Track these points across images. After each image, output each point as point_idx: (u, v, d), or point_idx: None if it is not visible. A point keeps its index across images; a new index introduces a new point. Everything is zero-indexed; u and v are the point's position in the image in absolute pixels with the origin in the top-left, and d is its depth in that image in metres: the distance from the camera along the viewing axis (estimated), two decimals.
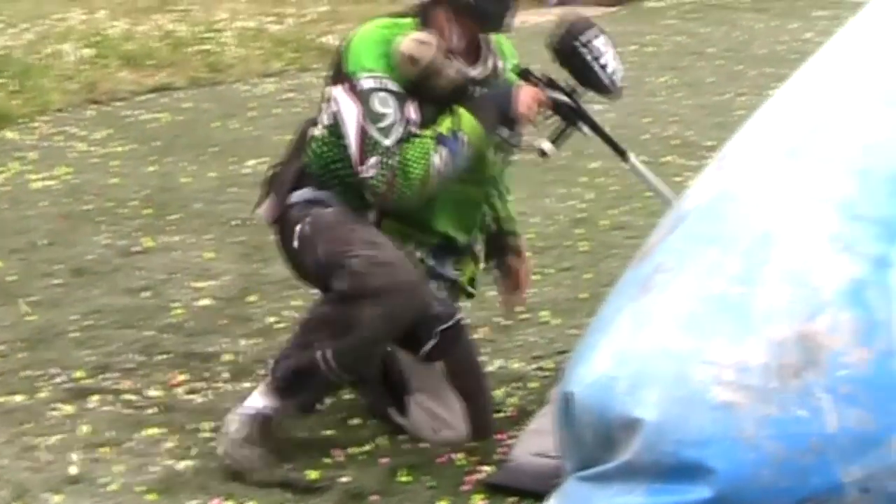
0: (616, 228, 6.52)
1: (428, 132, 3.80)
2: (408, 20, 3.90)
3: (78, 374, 4.70)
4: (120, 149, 8.29)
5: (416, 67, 3.78)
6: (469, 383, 4.08)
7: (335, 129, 3.92)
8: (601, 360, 3.32)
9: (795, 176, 3.28)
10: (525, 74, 3.98)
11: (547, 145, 4.02)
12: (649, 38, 13.79)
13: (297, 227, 3.93)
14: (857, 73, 3.43)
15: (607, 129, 4.25)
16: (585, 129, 4.05)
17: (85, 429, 4.28)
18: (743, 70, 11.91)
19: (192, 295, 5.57)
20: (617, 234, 6.42)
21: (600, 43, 3.92)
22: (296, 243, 3.94)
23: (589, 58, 3.90)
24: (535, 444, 3.94)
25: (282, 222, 4.02)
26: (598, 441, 3.22)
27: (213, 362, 4.82)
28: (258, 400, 3.93)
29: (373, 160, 3.76)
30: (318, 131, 4.00)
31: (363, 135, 3.76)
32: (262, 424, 3.88)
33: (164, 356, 4.88)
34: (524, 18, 15.48)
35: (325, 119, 3.98)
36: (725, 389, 3.09)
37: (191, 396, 4.53)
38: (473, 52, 3.95)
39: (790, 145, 3.36)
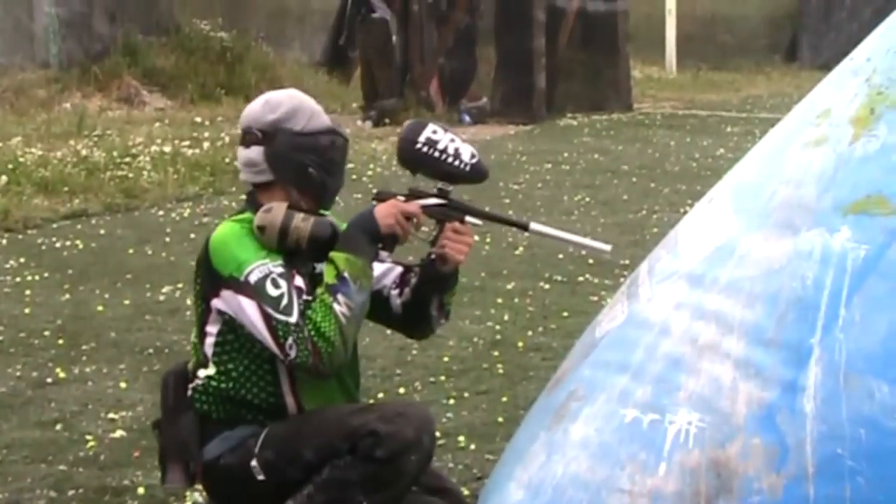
0: (532, 350, 6.53)
1: (319, 290, 3.83)
2: (246, 214, 3.94)
3: None
4: (33, 277, 8.22)
5: (272, 234, 3.82)
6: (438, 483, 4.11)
7: (227, 343, 3.92)
8: (515, 490, 3.32)
9: (702, 301, 3.31)
10: (379, 196, 4.00)
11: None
12: (564, 157, 13.97)
13: (253, 464, 3.91)
14: (756, 194, 3.46)
15: (496, 211, 4.22)
16: (474, 219, 4.03)
17: None
18: (657, 187, 12.08)
19: (106, 426, 5.50)
20: (534, 356, 6.43)
21: (440, 137, 3.94)
22: (261, 477, 3.91)
23: (437, 154, 3.91)
24: None
25: (214, 475, 3.98)
26: None
27: (127, 496, 4.75)
28: None
29: (290, 341, 3.77)
30: (209, 370, 3.97)
31: (270, 323, 3.78)
32: None
33: (77, 491, 4.79)
34: None
35: (209, 332, 3.94)
36: None
37: None
38: None
39: (696, 270, 3.39)
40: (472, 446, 5.19)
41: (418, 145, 3.91)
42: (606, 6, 19.49)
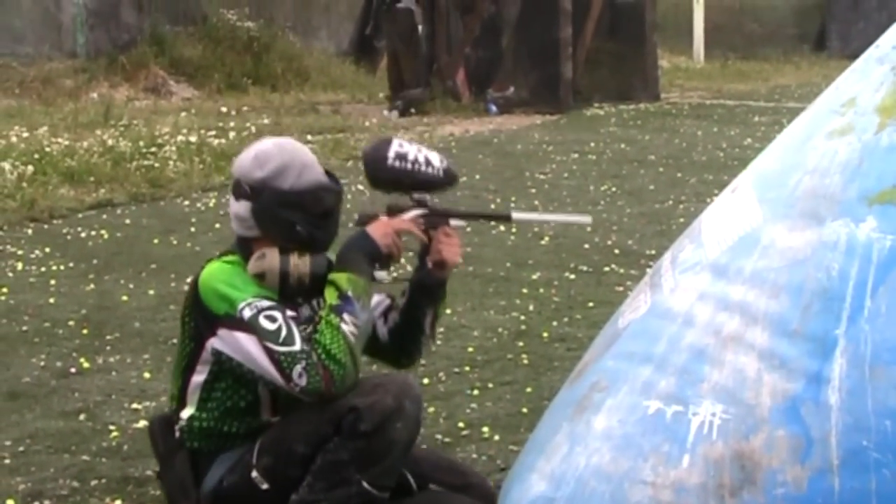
0: (557, 340, 6.50)
1: (323, 313, 3.82)
2: (234, 256, 3.92)
3: (10, 502, 4.60)
4: (58, 267, 8.23)
5: (273, 279, 3.82)
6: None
7: (216, 382, 3.93)
8: (537, 482, 3.29)
9: (727, 292, 3.28)
10: (363, 220, 3.98)
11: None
12: (591, 147, 13.92)
13: (254, 475, 3.92)
14: (781, 184, 3.43)
15: (476, 209, 4.23)
16: (459, 221, 4.03)
17: None
18: (683, 177, 12.02)
19: (129, 417, 5.49)
20: (558, 347, 6.40)
21: (407, 149, 3.94)
22: (265, 486, 3.91)
23: (409, 167, 3.91)
24: None
25: (220, 500, 3.98)
26: None
27: (150, 486, 4.73)
28: None
29: (297, 369, 3.75)
30: (191, 410, 3.98)
31: (272, 356, 3.76)
32: None
33: (100, 481, 4.79)
34: (467, 128, 15.65)
35: (196, 382, 3.95)
36: None
37: None
38: None
39: (720, 260, 3.36)
40: (497, 437, 5.17)
41: (389, 161, 3.90)
42: None
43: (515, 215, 4.15)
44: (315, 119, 15.87)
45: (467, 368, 6.07)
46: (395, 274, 4.02)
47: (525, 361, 6.21)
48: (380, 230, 3.92)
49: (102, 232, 9.33)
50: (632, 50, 19.23)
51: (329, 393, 3.76)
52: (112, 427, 5.35)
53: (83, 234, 9.28)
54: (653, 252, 8.56)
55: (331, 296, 3.81)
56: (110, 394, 5.79)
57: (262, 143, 4.00)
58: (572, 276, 7.94)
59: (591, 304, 7.19)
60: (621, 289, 7.59)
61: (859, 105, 3.46)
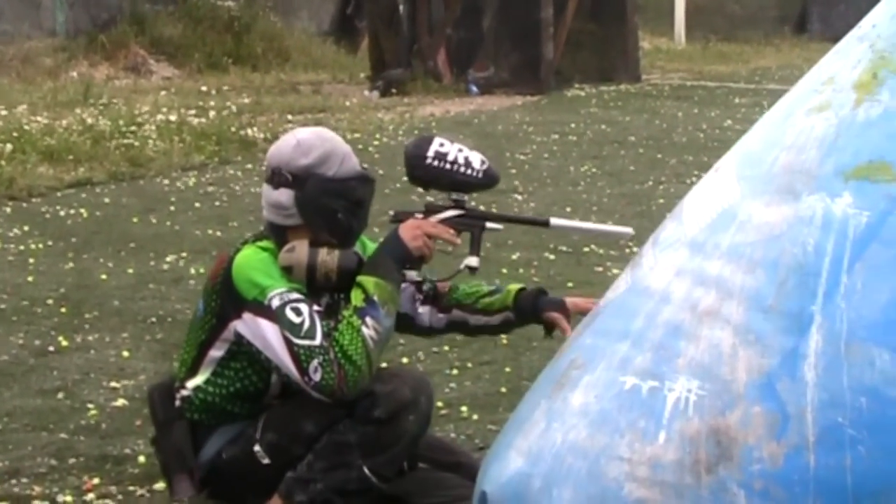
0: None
1: (346, 313, 3.81)
2: (267, 242, 3.93)
3: None
4: (36, 246, 8.20)
5: (301, 273, 3.84)
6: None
7: (230, 363, 3.94)
8: (515, 458, 3.29)
9: (703, 267, 3.28)
10: (398, 217, 3.99)
11: (472, 260, 4.01)
12: (571, 127, 13.92)
13: (256, 449, 3.93)
14: (759, 161, 3.43)
15: (515, 212, 4.24)
16: (495, 224, 4.03)
17: None
18: (663, 158, 12.03)
19: (108, 395, 5.48)
20: (538, 328, 6.37)
21: (448, 148, 3.92)
22: (266, 461, 3.93)
23: (448, 167, 3.90)
24: None
25: (218, 471, 3.99)
26: None
27: (128, 464, 4.72)
28: None
29: (314, 364, 3.75)
30: (198, 380, 3.99)
31: (291, 349, 3.76)
32: None
33: (77, 459, 4.77)
34: (447, 108, 15.63)
35: (212, 356, 3.97)
36: (639, 486, 3.06)
37: (103, 501, 4.42)
38: None
39: (698, 237, 3.36)
40: (475, 416, 5.17)
41: (428, 160, 3.90)
42: None
43: (554, 221, 4.14)
44: (296, 99, 15.83)
45: (446, 348, 6.07)
46: (425, 274, 4.03)
47: (504, 341, 6.21)
48: (411, 232, 3.91)
49: (81, 210, 9.30)
50: (613, 31, 19.22)
51: (340, 392, 3.76)
52: (90, 405, 5.34)
53: (62, 213, 9.25)
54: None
55: (356, 298, 3.82)
56: (89, 372, 5.78)
57: (299, 131, 4.02)
58: (552, 257, 7.94)
59: (570, 285, 7.19)
60: (601, 269, 7.60)
61: (837, 82, 3.46)
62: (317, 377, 3.74)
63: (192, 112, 13.48)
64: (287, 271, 3.84)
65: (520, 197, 9.58)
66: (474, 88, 17.30)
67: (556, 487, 3.13)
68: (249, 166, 11.28)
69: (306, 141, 3.94)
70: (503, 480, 3.27)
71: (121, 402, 5.39)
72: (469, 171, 3.92)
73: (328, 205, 3.90)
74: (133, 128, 12.19)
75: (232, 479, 3.98)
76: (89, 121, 12.48)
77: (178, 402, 4.02)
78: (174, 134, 12.09)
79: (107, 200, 9.76)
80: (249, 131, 12.66)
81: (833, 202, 3.19)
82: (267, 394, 3.98)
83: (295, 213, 3.92)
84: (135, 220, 9.07)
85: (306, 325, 3.76)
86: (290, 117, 14.06)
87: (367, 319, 3.78)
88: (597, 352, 3.33)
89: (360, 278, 3.85)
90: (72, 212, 9.27)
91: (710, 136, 13.47)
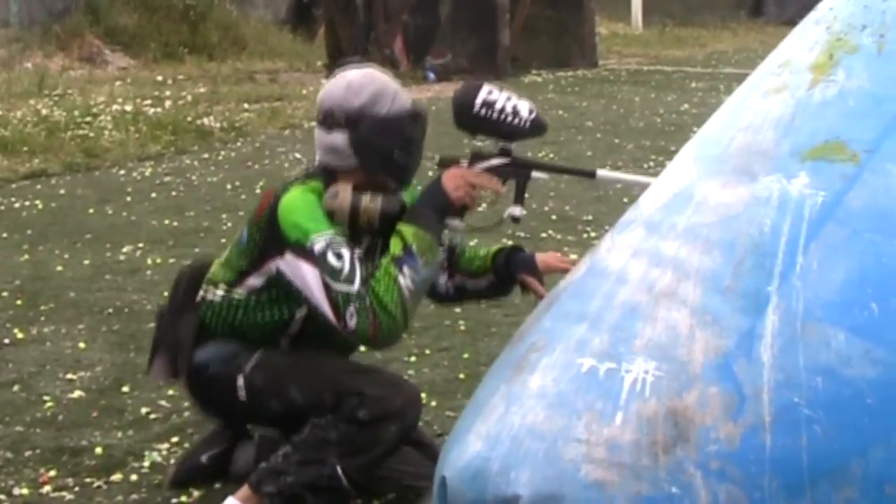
0: (494, 307, 6.47)
1: (384, 261, 3.79)
2: (316, 183, 3.90)
3: None
4: None
5: (343, 219, 3.82)
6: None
7: (264, 292, 3.95)
8: (474, 442, 3.28)
9: (659, 247, 3.27)
10: (444, 163, 3.94)
11: (516, 210, 3.98)
12: None
13: (239, 381, 3.93)
14: (716, 143, 3.43)
15: (561, 163, 4.23)
16: (541, 174, 4.01)
17: None
18: (621, 143, 12.04)
19: (64, 387, 5.43)
20: (495, 313, 6.39)
21: (496, 97, 3.87)
22: (242, 396, 3.94)
23: (495, 116, 3.85)
24: None
25: (200, 379, 4.03)
26: None
27: (84, 456, 4.68)
28: None
29: (350, 310, 3.73)
30: (228, 293, 4.01)
31: (329, 293, 3.75)
32: None
33: (34, 452, 4.73)
34: None
35: (250, 284, 3.98)
36: (597, 467, 3.05)
37: (60, 494, 4.39)
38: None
39: (654, 217, 3.36)
40: (434, 403, 5.16)
41: (475, 108, 3.85)
42: None
43: (601, 173, 4.08)
44: (252, 88, 15.77)
45: (404, 335, 6.04)
46: (468, 222, 3.97)
47: (462, 328, 6.20)
48: (452, 183, 3.86)
49: (37, 202, 9.23)
50: (570, 17, 19.23)
51: (375, 339, 3.75)
52: (46, 398, 5.30)
53: (17, 205, 9.18)
54: (590, 217, 8.57)
55: (395, 246, 3.79)
56: (45, 364, 5.73)
57: (348, 72, 3.98)
58: (509, 243, 7.90)
59: None
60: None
61: (794, 64, 3.47)
62: (352, 323, 3.72)
63: (148, 102, 13.40)
64: (330, 215, 3.82)
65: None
66: (431, 75, 17.29)
67: (513, 470, 3.12)
68: (206, 156, 11.23)
69: (356, 81, 3.92)
70: (462, 464, 3.26)
71: (77, 393, 5.35)
72: (516, 121, 3.87)
73: (384, 144, 3.88)
74: (88, 118, 12.12)
75: (208, 391, 4.03)
76: (44, 112, 12.39)
77: (199, 297, 4.03)
78: (130, 124, 12.02)
79: (62, 192, 9.69)
80: (206, 121, 12.61)
81: (789, 183, 3.19)
82: (285, 333, 3.97)
83: (351, 154, 3.89)
84: (91, 210, 9.01)
85: (346, 270, 3.74)
86: (246, 106, 14.00)
87: (405, 269, 3.75)
88: (555, 334, 3.32)
89: (401, 226, 3.81)
90: (27, 203, 9.20)
91: (666, 121, 13.49)
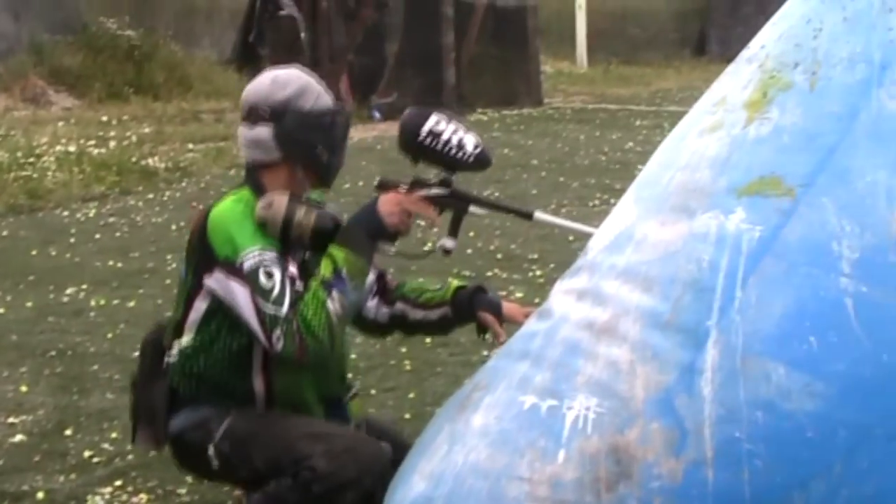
0: (440, 346, 6.49)
1: (313, 283, 3.76)
2: (245, 192, 3.87)
3: None
4: None
5: (275, 230, 3.78)
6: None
7: (213, 318, 3.88)
8: (418, 482, 3.28)
9: (600, 286, 3.29)
10: (383, 185, 3.93)
11: (448, 242, 3.96)
12: None
13: (210, 451, 3.89)
14: (655, 183, 3.46)
15: (499, 197, 4.21)
16: (479, 210, 4.00)
17: None
18: (566, 181, 12.09)
19: (5, 431, 5.39)
20: (441, 352, 6.39)
21: (441, 127, 3.86)
22: (215, 465, 3.91)
23: (439, 147, 3.85)
24: None
25: (179, 447, 3.99)
26: None
27: (26, 501, 4.65)
28: None
29: (277, 333, 3.70)
30: (185, 339, 3.93)
31: (259, 313, 3.72)
32: None
33: None
34: (351, 135, 15.60)
35: (194, 316, 3.91)
36: None
37: None
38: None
39: (596, 259, 3.38)
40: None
41: (421, 136, 3.85)
42: (516, 1, 19.52)
43: (538, 214, 4.07)
44: (198, 128, 15.72)
45: (350, 375, 6.02)
46: (397, 248, 3.95)
47: (408, 367, 6.20)
48: (390, 206, 3.84)
49: None
50: (515, 55, 19.33)
51: (300, 363, 3.73)
52: None
53: None
54: (535, 256, 8.59)
55: (326, 268, 3.76)
56: None
57: (272, 69, 3.99)
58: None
59: None
60: (504, 293, 7.59)
61: (729, 102, 3.50)
62: (279, 346, 3.69)
63: (92, 142, 13.34)
64: (262, 226, 3.78)
65: (422, 222, 9.56)
66: (377, 114, 17.31)
67: None
68: (151, 196, 11.18)
69: (282, 76, 3.93)
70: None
71: (19, 437, 5.31)
72: (460, 154, 3.86)
73: (307, 138, 3.86)
74: (31, 159, 12.05)
75: (187, 459, 3.99)
76: None
77: (165, 363, 3.98)
78: (74, 165, 11.96)
79: (5, 233, 9.62)
80: (150, 161, 12.56)
81: (727, 218, 3.21)
82: (253, 354, 3.88)
83: (273, 147, 3.87)
84: (34, 252, 8.95)
85: (276, 291, 3.71)
86: (191, 146, 13.96)
87: (334, 293, 3.73)
88: (499, 372, 3.33)
89: (332, 250, 3.78)
90: None
91: (611, 159, 13.56)
